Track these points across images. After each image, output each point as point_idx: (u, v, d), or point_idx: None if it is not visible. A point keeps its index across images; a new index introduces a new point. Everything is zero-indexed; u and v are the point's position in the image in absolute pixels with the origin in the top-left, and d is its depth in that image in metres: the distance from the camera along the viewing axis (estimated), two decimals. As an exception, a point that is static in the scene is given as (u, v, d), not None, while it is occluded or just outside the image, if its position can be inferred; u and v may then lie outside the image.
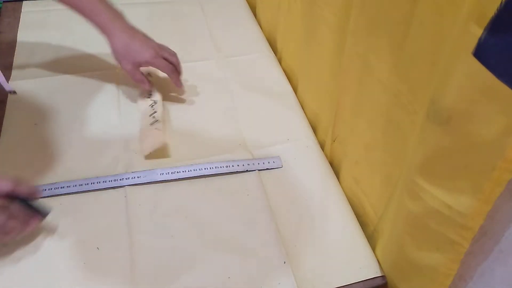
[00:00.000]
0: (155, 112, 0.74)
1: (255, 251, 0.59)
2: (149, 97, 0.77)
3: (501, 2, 0.29)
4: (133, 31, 0.69)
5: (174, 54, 0.74)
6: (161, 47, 0.73)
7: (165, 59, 0.72)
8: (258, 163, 0.69)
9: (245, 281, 0.56)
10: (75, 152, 0.69)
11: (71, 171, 0.66)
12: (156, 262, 0.57)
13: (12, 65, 0.82)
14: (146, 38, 0.71)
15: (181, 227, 0.61)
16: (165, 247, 0.58)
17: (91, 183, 0.64)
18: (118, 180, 0.64)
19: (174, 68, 0.74)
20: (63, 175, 0.65)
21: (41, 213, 0.56)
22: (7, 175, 0.54)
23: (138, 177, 0.65)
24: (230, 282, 0.56)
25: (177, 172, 0.66)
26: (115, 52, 0.68)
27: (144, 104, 0.76)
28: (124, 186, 0.64)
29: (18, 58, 0.84)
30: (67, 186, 0.63)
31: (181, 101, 0.80)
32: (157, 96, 0.77)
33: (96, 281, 0.55)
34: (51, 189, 0.62)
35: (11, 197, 0.52)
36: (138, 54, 0.69)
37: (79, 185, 0.63)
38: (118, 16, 0.68)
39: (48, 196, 0.61)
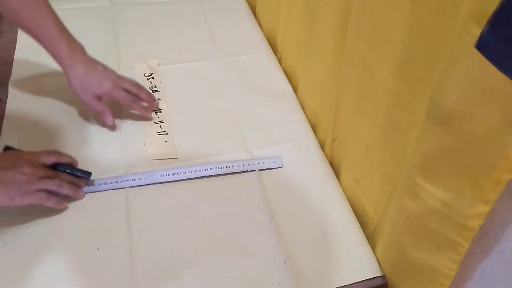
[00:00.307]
0: (161, 121, 0.74)
1: (255, 251, 0.59)
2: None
3: None
4: (92, 63, 0.68)
5: (134, 84, 0.73)
6: (120, 78, 0.71)
7: (125, 89, 0.71)
8: (259, 163, 0.69)
9: (245, 281, 0.56)
10: (75, 152, 0.69)
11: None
12: (156, 262, 0.57)
13: (12, 65, 0.82)
14: (105, 70, 0.70)
15: (181, 227, 0.61)
16: (165, 247, 0.58)
17: (91, 185, 0.63)
18: (119, 182, 0.64)
19: (135, 97, 0.73)
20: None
21: (85, 175, 0.63)
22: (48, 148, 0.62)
23: (138, 179, 0.65)
24: (230, 282, 0.56)
25: (177, 173, 0.66)
26: (72, 84, 0.67)
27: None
28: (124, 188, 0.64)
29: (18, 58, 0.84)
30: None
31: (181, 101, 0.80)
32: (163, 104, 0.77)
33: (96, 281, 0.55)
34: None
35: (55, 167, 0.61)
36: (97, 86, 0.68)
37: (79, 185, 0.63)
38: (77, 47, 0.67)
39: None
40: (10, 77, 0.80)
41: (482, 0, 0.31)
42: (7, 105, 0.75)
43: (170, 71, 0.85)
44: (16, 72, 0.81)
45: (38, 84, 0.79)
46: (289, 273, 0.57)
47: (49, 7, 0.64)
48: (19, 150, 0.62)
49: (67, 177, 0.61)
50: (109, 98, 0.71)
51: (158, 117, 0.76)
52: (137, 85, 0.74)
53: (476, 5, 0.32)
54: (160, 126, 0.74)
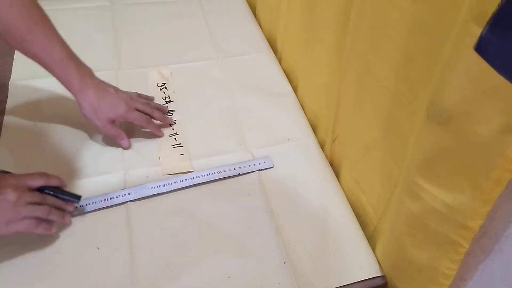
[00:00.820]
0: (176, 134, 0.73)
1: (255, 251, 0.59)
2: (168, 114, 0.76)
3: None
4: (103, 86, 0.67)
5: (146, 103, 0.72)
6: (133, 98, 0.71)
7: (138, 110, 0.70)
8: (249, 165, 0.68)
9: (245, 281, 0.56)
10: (75, 152, 0.69)
11: (71, 171, 0.66)
12: (156, 262, 0.57)
13: (12, 65, 0.82)
14: (116, 92, 0.68)
15: (181, 227, 0.61)
16: (165, 247, 0.58)
17: (80, 206, 0.61)
18: (109, 199, 0.62)
19: (148, 117, 0.71)
20: (62, 175, 0.65)
21: (74, 199, 0.60)
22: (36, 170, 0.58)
23: (129, 194, 0.63)
24: (230, 282, 0.56)
25: (168, 184, 0.65)
26: (84, 110, 0.65)
27: None
28: (116, 205, 0.62)
29: (18, 58, 0.84)
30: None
31: (181, 101, 0.80)
32: (177, 116, 0.76)
33: (96, 281, 0.55)
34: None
35: (43, 190, 0.56)
36: (110, 110, 0.66)
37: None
38: (86, 71, 0.66)
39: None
40: (10, 78, 0.80)
41: (482, 0, 0.31)
42: (7, 105, 0.75)
43: (170, 72, 0.85)
44: (16, 72, 0.81)
45: (38, 84, 0.79)
46: (289, 273, 0.57)
47: (56, 32, 0.62)
48: (3, 172, 0.57)
49: (54, 201, 0.58)
50: (123, 120, 0.69)
51: (173, 129, 0.74)
52: (149, 104, 0.73)
53: (476, 5, 0.32)
54: (175, 138, 0.73)
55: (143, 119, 0.70)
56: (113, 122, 0.68)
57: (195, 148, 0.71)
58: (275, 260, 0.58)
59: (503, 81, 0.31)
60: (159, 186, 0.64)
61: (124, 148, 0.70)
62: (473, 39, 0.32)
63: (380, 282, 0.58)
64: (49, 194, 0.58)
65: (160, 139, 0.72)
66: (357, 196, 0.66)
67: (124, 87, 0.73)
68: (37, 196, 0.55)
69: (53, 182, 0.58)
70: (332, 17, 0.63)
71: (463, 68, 0.35)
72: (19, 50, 0.61)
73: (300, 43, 0.79)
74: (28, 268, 0.55)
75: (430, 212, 0.43)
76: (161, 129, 0.73)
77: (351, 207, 0.66)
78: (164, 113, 0.75)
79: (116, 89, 0.69)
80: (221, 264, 0.57)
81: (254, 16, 1.04)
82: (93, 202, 0.62)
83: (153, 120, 0.72)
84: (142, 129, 0.72)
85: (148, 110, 0.71)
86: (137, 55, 0.87)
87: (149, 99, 0.77)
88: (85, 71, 0.65)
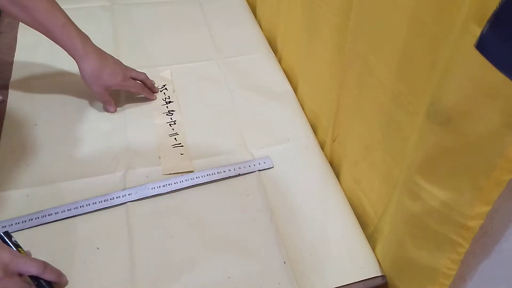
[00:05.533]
0: (176, 134, 0.73)
1: (255, 251, 0.59)
2: (168, 114, 0.77)
3: None
4: (103, 54, 0.71)
5: (139, 72, 0.78)
6: (128, 68, 0.76)
7: (133, 78, 0.76)
8: (249, 166, 0.68)
9: (245, 281, 0.56)
10: (75, 152, 0.69)
11: (71, 171, 0.66)
12: (156, 262, 0.57)
13: (12, 65, 0.82)
14: (114, 61, 0.73)
15: (181, 227, 0.61)
16: (165, 247, 0.58)
17: (80, 207, 0.61)
18: (109, 199, 0.62)
19: (143, 85, 0.78)
20: (63, 176, 0.65)
21: None
22: (39, 258, 0.52)
23: (129, 194, 0.63)
24: (230, 282, 0.56)
25: (168, 184, 0.65)
26: (86, 75, 0.69)
27: (161, 119, 0.76)
28: (116, 205, 0.62)
29: (18, 58, 0.84)
30: (55, 213, 0.60)
31: (181, 101, 0.80)
32: (178, 116, 0.77)
33: (96, 281, 0.55)
34: (44, 216, 0.60)
35: (36, 278, 0.50)
36: (110, 78, 0.71)
37: (67, 210, 0.60)
38: (87, 38, 0.69)
39: (42, 224, 0.59)
40: (10, 78, 0.80)
41: (482, 0, 0.31)
42: (7, 106, 0.75)
43: (171, 72, 0.85)
44: (16, 72, 0.81)
45: (38, 84, 0.79)
46: (289, 273, 0.57)
47: (55, 1, 0.66)
48: (7, 235, 0.53)
49: None
50: (119, 88, 0.74)
51: (173, 129, 0.75)
52: (143, 73, 0.78)
53: (476, 5, 0.32)
54: (175, 138, 0.73)
55: (138, 86, 0.76)
56: (108, 89, 0.73)
57: (195, 148, 0.71)
58: (275, 260, 0.58)
59: (503, 81, 0.31)
60: (159, 186, 0.64)
61: (110, 112, 0.76)
62: (473, 39, 0.32)
63: (380, 282, 0.58)
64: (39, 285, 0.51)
65: (160, 139, 0.72)
66: (357, 196, 0.66)
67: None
68: (20, 285, 0.48)
69: (49, 277, 0.51)
70: (332, 17, 0.63)
71: (463, 68, 0.35)
72: (22, 19, 0.64)
73: (300, 43, 0.80)
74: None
75: (430, 212, 0.44)
76: (161, 131, 0.74)
77: (351, 207, 0.66)
78: (151, 83, 0.80)
79: (113, 58, 0.73)
80: (221, 264, 0.57)
81: (254, 16, 1.04)
82: (93, 203, 0.62)
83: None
84: (137, 96, 0.78)
85: (141, 77, 0.78)
86: (137, 55, 0.87)
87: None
88: (86, 37, 0.69)
